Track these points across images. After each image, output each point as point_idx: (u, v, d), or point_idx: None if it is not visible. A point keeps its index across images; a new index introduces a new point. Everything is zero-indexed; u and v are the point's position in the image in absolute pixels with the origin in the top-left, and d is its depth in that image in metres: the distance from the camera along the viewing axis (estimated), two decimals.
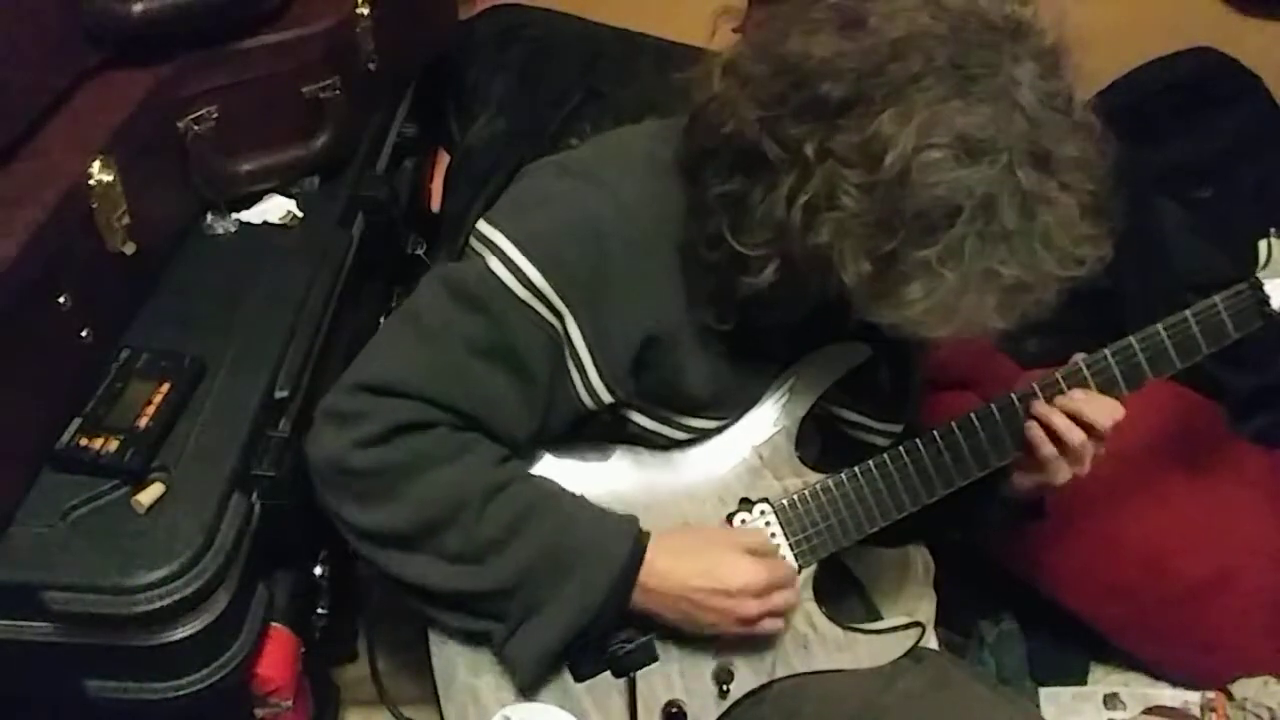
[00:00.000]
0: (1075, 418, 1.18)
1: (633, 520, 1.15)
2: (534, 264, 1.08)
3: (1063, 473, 1.20)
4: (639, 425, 1.19)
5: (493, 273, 1.08)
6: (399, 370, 1.09)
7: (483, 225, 1.12)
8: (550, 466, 1.20)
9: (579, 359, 1.11)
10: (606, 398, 1.13)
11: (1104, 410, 1.18)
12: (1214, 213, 1.87)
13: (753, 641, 1.22)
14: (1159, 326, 1.21)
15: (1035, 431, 1.19)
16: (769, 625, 1.19)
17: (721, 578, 1.14)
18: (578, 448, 1.21)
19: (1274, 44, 1.96)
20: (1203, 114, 1.92)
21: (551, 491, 1.15)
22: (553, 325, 1.09)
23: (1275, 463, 1.78)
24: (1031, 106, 0.93)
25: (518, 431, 1.13)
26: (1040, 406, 1.19)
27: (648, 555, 1.13)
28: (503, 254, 1.09)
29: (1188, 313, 1.21)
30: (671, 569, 1.14)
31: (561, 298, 1.08)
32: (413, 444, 1.09)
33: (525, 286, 1.08)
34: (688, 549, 1.16)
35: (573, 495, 1.16)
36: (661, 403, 1.18)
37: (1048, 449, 1.19)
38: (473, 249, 1.12)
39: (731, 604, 1.15)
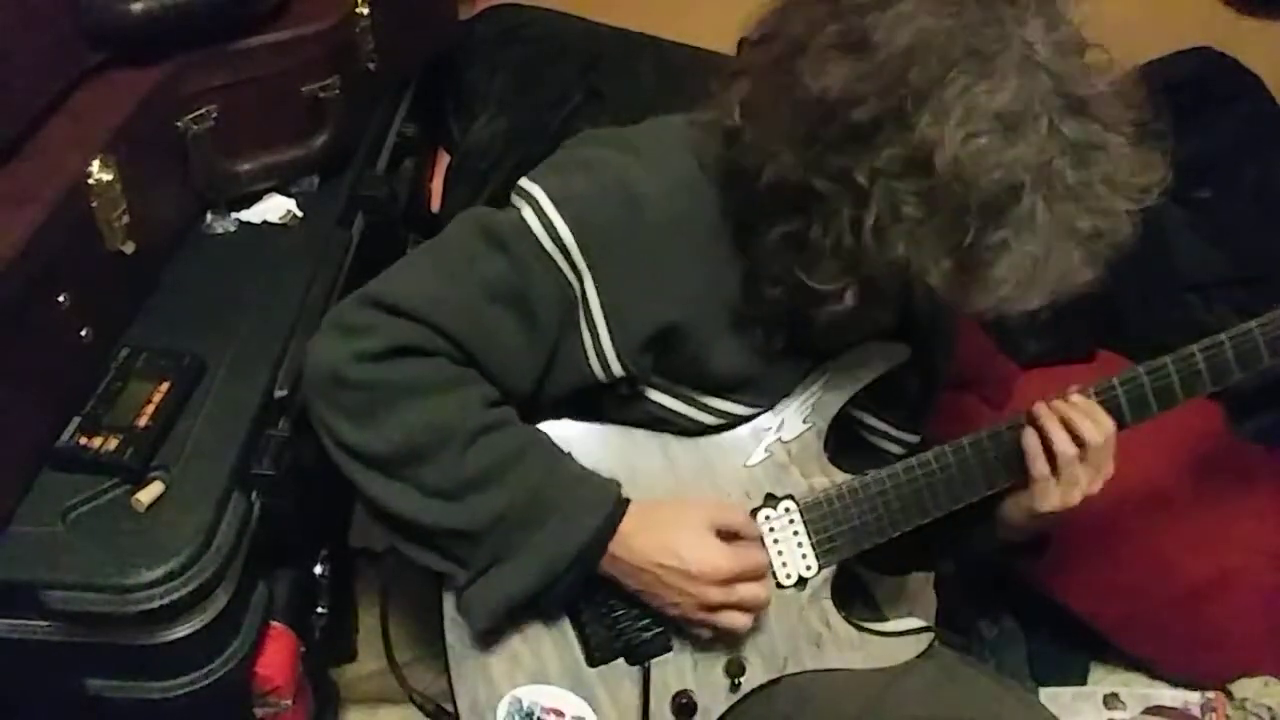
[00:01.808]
0: (1065, 425, 1.17)
1: (614, 484, 1.15)
2: (565, 219, 1.09)
3: (1051, 496, 1.18)
4: (661, 405, 1.18)
5: (524, 220, 1.10)
6: (412, 293, 1.09)
7: (524, 180, 1.13)
8: (577, 447, 1.18)
9: (593, 322, 1.11)
10: (617, 369, 1.13)
11: (1092, 424, 1.17)
12: (1214, 213, 1.86)
13: (766, 636, 1.22)
14: (1194, 348, 1.20)
15: (1030, 439, 1.18)
16: (732, 619, 1.17)
17: (684, 559, 1.13)
18: (605, 431, 1.20)
19: (1274, 44, 1.95)
20: (1203, 114, 1.91)
21: (539, 442, 1.15)
22: (570, 283, 1.10)
23: (1275, 463, 1.78)
24: (1050, 60, 0.94)
25: (514, 379, 1.13)
26: (1039, 408, 1.18)
27: (622, 523, 1.13)
28: (537, 205, 1.10)
29: (1223, 336, 1.20)
30: (640, 540, 1.13)
31: (585, 257, 1.09)
32: (410, 367, 1.08)
33: (552, 239, 1.09)
34: (660, 523, 1.15)
35: (560, 450, 1.15)
36: (685, 381, 1.17)
37: (1040, 464, 1.18)
38: (511, 201, 1.13)
39: (692, 587, 1.14)
